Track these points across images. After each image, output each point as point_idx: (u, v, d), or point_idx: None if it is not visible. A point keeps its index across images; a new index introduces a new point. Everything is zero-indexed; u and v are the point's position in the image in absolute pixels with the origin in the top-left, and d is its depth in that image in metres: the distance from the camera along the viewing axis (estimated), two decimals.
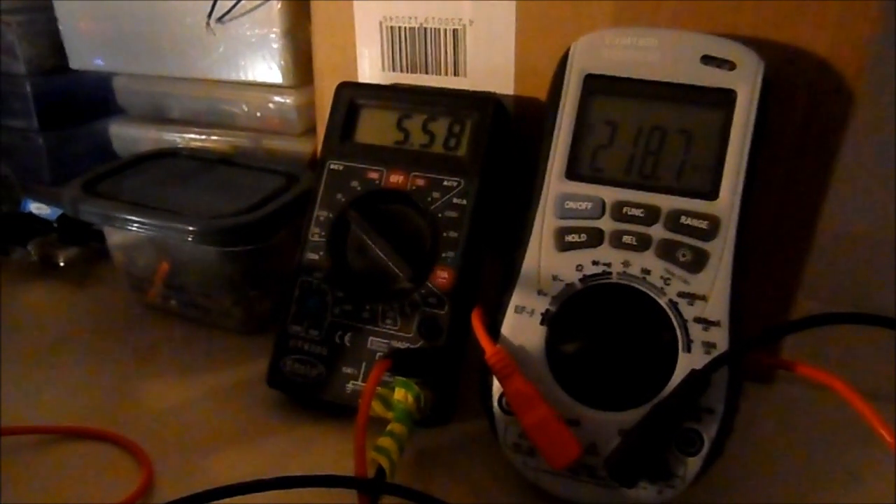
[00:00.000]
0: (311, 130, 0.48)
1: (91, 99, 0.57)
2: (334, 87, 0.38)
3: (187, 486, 0.27)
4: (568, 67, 0.32)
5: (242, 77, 0.48)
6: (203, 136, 0.51)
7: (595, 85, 0.32)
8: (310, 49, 0.43)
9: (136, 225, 0.40)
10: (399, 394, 0.32)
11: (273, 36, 0.46)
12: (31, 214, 0.51)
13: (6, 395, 0.37)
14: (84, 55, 0.53)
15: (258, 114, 0.49)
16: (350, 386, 0.34)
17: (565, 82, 0.32)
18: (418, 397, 0.32)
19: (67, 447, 0.34)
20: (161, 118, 0.53)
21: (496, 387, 0.30)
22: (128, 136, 0.54)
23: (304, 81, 0.47)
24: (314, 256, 0.36)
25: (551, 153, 0.31)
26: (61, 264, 0.49)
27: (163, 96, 0.52)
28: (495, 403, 0.30)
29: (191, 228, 0.38)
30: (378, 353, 0.34)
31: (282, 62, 0.46)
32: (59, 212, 0.50)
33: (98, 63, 0.53)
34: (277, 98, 0.48)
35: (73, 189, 0.42)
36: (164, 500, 0.26)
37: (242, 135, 0.50)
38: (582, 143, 0.31)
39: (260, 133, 0.50)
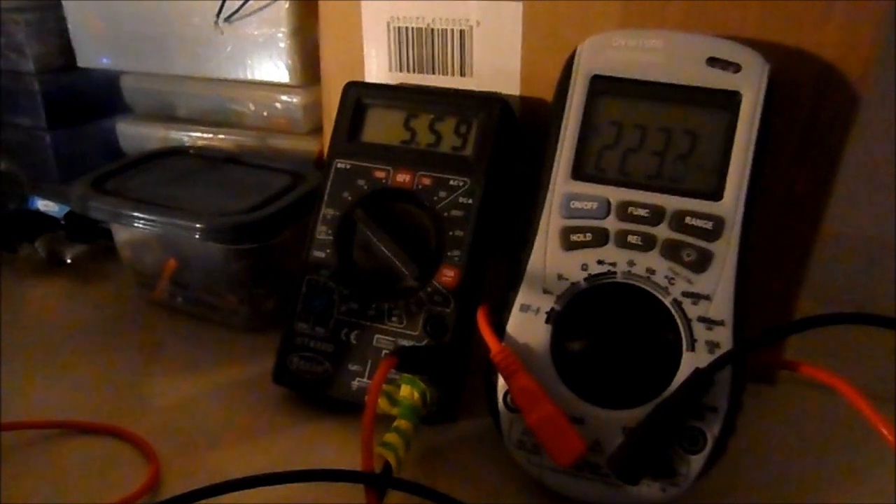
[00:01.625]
0: (317, 130, 0.48)
1: (99, 97, 0.57)
2: (341, 86, 0.38)
3: (194, 481, 0.27)
4: (574, 68, 0.32)
5: (249, 76, 0.48)
6: (210, 135, 0.52)
7: (601, 86, 0.32)
8: (317, 49, 0.44)
9: (143, 222, 0.40)
10: (405, 391, 0.32)
11: (280, 35, 0.46)
12: (38, 212, 0.52)
13: (13, 390, 0.37)
14: (92, 53, 0.53)
15: (265, 113, 0.49)
16: (356, 383, 0.35)
17: (572, 83, 0.32)
18: (424, 394, 0.32)
19: (74, 442, 0.34)
20: (168, 117, 0.54)
21: (501, 384, 0.30)
22: (135, 134, 0.54)
23: (310, 81, 0.47)
24: (321, 254, 0.36)
25: (557, 153, 0.32)
26: (68, 261, 0.50)
27: (170, 95, 0.53)
28: (500, 401, 0.30)
29: (198, 226, 0.38)
30: (384, 351, 0.35)
31: (289, 61, 0.47)
32: (66, 209, 0.51)
33: (106, 61, 0.53)
34: (284, 97, 0.48)
35: (82, 186, 0.43)
36: (171, 495, 0.27)
37: (249, 134, 0.50)
38: (588, 143, 0.32)
39: (267, 132, 0.50)
